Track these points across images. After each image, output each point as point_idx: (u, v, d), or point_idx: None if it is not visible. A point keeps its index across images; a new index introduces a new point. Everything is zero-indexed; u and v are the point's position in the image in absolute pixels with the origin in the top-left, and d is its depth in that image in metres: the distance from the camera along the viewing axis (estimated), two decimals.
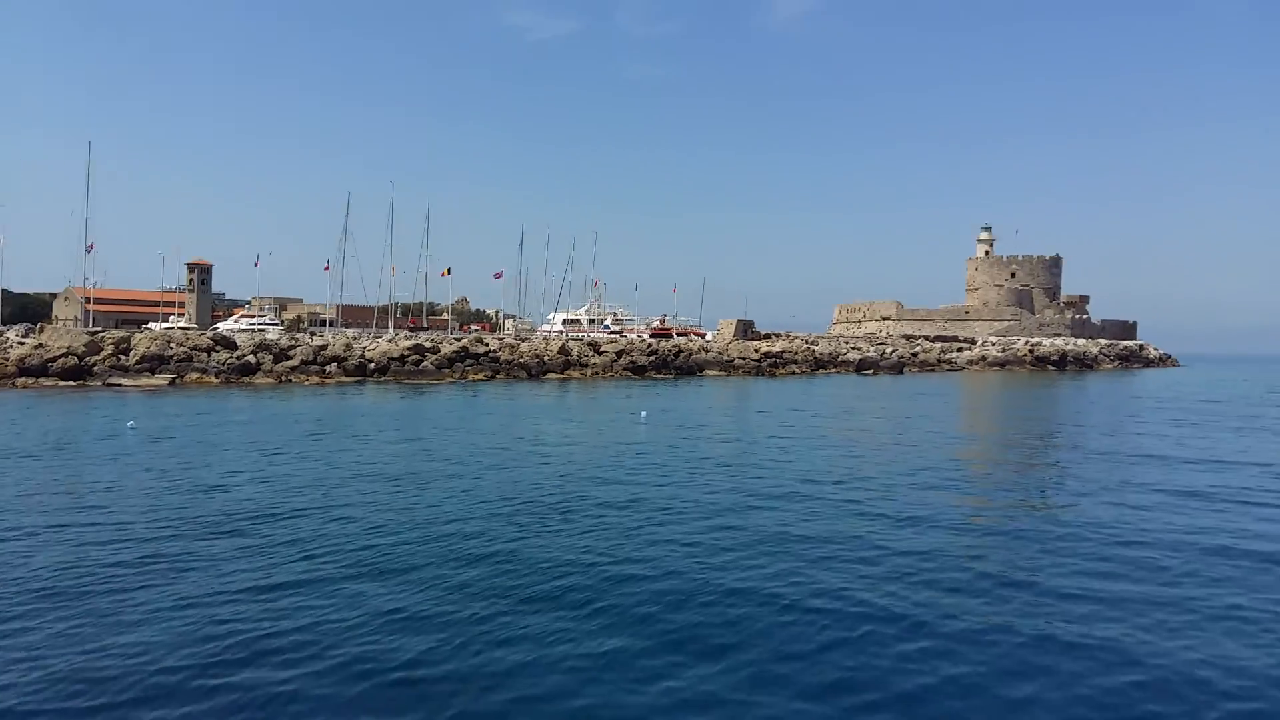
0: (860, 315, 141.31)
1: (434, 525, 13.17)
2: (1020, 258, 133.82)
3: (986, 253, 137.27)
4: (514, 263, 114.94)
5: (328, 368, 51.47)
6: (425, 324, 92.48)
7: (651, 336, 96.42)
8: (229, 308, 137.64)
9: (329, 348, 54.24)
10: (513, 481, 17.18)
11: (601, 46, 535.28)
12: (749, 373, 70.30)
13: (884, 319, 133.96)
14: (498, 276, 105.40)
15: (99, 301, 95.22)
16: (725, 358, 71.33)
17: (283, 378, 49.01)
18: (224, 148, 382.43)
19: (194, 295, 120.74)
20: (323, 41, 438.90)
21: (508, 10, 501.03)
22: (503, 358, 58.97)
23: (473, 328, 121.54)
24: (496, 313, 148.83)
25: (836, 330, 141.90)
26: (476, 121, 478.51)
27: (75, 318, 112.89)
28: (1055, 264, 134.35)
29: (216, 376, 46.94)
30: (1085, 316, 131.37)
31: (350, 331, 75.61)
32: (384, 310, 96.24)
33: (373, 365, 53.06)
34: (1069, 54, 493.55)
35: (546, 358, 60.80)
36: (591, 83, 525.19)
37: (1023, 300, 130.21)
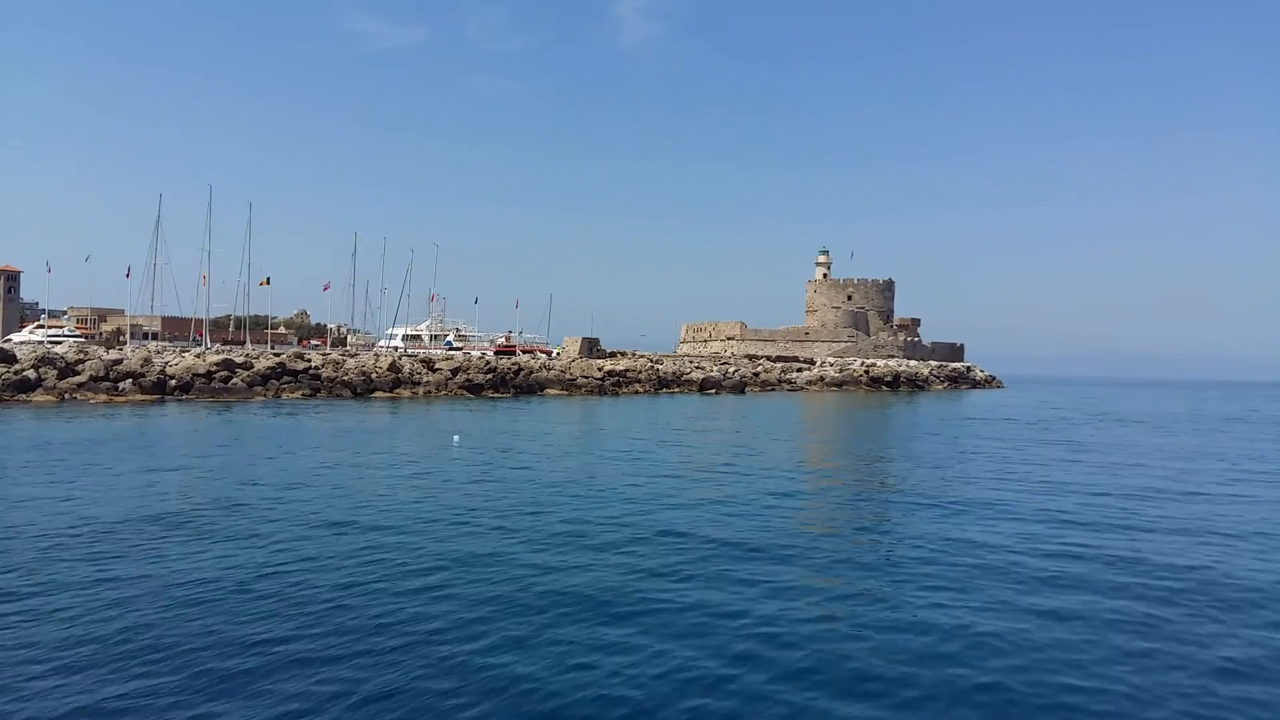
0: (706, 335, 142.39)
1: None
2: (856, 281, 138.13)
3: (825, 275, 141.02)
4: (346, 274, 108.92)
5: (121, 385, 46.23)
6: (245, 339, 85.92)
7: (496, 354, 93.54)
8: (39, 318, 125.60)
9: (124, 362, 48.87)
10: (246, 532, 14.45)
11: (449, 58, 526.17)
12: (591, 392, 68.52)
13: (729, 339, 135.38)
14: (325, 288, 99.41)
15: None
16: (568, 376, 69.29)
17: (66, 395, 43.59)
18: (46, 144, 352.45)
19: None
20: (159, 36, 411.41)
21: (351, 18, 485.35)
22: (325, 375, 54.87)
23: (312, 342, 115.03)
24: (338, 327, 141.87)
25: (684, 349, 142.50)
26: (306, 125, 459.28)
27: None
28: (889, 287, 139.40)
29: None
30: (917, 339, 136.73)
31: (153, 345, 69.35)
32: (213, 322, 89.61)
33: (174, 382, 48.08)
34: (902, 80, 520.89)
35: (374, 375, 57.06)
36: (437, 94, 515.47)
37: (859, 322, 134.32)
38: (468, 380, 60.24)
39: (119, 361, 48.77)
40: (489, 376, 61.78)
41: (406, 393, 57.07)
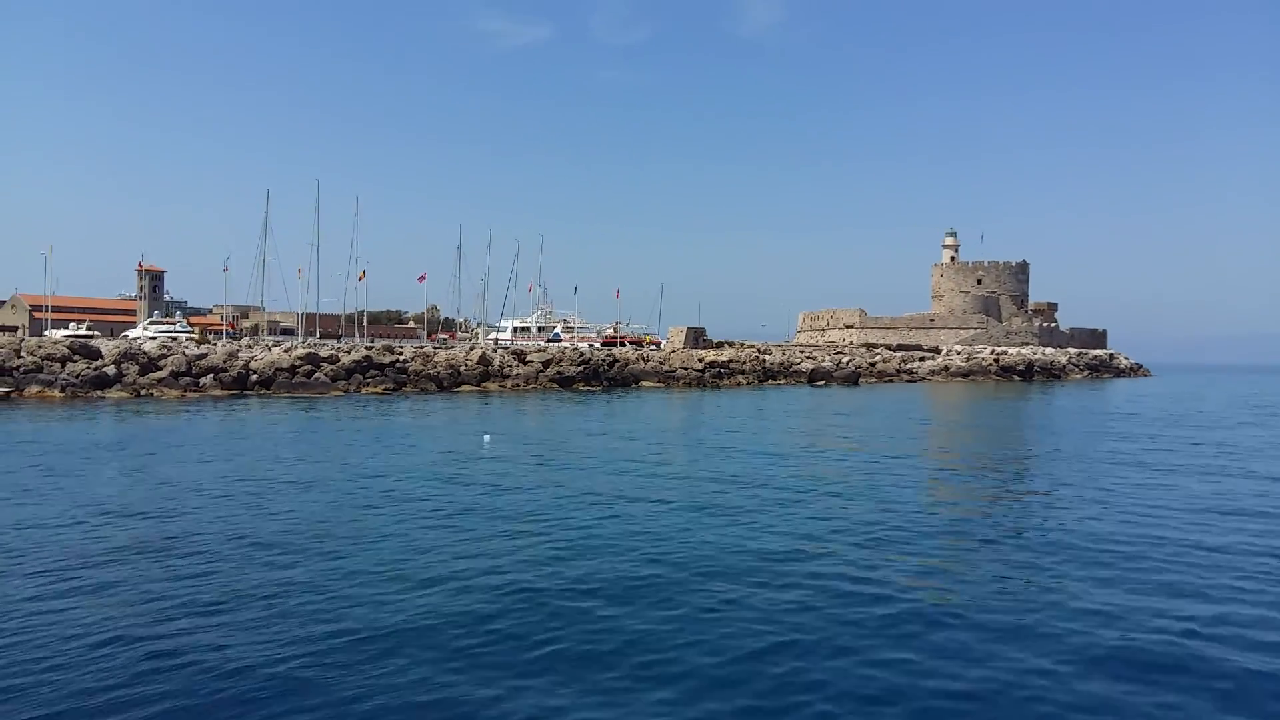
0: (824, 324, 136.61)
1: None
2: (986, 264, 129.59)
3: (952, 259, 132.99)
4: (451, 266, 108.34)
5: (201, 380, 45.69)
6: (355, 332, 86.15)
7: (603, 344, 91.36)
8: (188, 315, 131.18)
9: (208, 357, 48.42)
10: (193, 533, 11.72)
11: (575, 52, 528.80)
12: (690, 384, 65.04)
13: (847, 327, 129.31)
14: (421, 279, 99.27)
15: (48, 309, 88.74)
16: (665, 368, 65.99)
17: (142, 391, 43.17)
18: (195, 155, 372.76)
19: (144, 302, 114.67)
20: (291, 47, 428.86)
21: (480, 17, 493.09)
22: (412, 369, 53.32)
23: (440, 336, 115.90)
24: (465, 321, 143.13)
25: (801, 339, 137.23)
26: (424, 128, 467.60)
27: (23, 325, 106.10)
28: (1022, 270, 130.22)
29: (63, 390, 41.07)
30: (1054, 324, 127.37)
31: (287, 341, 69.84)
32: (349, 319, 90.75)
33: (255, 377, 47.29)
34: (1042, 66, 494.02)
35: (463, 368, 55.24)
36: (564, 89, 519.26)
37: (989, 307, 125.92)
38: (559, 373, 57.77)
39: (203, 356, 48.33)
40: (581, 369, 59.12)
41: (494, 386, 55.02)
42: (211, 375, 46.10)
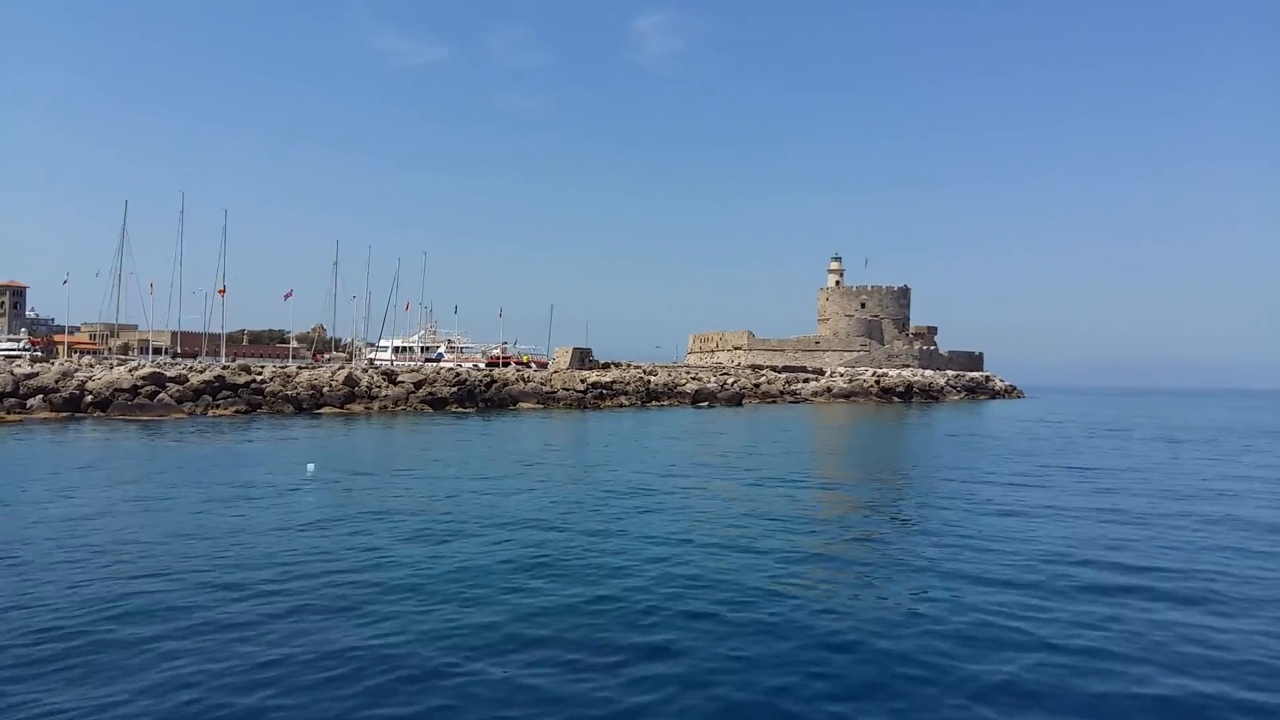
0: (713, 345, 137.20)
1: None
2: (870, 288, 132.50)
3: (837, 283, 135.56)
4: (327, 282, 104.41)
5: (29, 402, 41.86)
6: (218, 350, 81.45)
7: (488, 365, 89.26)
8: (53, 334, 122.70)
9: (38, 376, 44.51)
10: None
11: (472, 73, 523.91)
12: (572, 405, 63.54)
13: (735, 349, 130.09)
14: (287, 297, 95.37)
15: None
16: (546, 389, 64.34)
17: None
18: (67, 161, 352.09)
19: (4, 319, 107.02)
20: (164, 52, 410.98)
21: (377, 35, 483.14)
22: (269, 390, 50.26)
23: (324, 355, 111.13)
24: (353, 340, 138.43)
25: (690, 360, 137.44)
26: (307, 140, 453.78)
27: None
28: (904, 294, 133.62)
29: None
30: (933, 347, 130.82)
31: (160, 359, 65.11)
32: (215, 338, 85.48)
33: (90, 398, 43.60)
34: (926, 104, 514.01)
35: (326, 389, 52.43)
36: (458, 109, 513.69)
37: (872, 331, 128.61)
38: (430, 394, 55.47)
39: (33, 375, 44.39)
40: (455, 390, 56.94)
41: (360, 408, 52.38)
42: (41, 396, 42.30)
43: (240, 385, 49.64)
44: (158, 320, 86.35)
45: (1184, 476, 26.36)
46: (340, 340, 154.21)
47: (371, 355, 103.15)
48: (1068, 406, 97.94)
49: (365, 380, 55.53)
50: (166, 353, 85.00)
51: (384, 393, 54.53)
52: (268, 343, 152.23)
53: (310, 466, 21.85)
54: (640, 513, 17.37)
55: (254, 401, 48.78)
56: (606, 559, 13.02)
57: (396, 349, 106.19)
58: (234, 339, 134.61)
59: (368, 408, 52.69)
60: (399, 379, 57.19)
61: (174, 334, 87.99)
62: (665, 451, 31.30)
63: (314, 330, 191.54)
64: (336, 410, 50.90)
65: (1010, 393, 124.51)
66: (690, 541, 14.41)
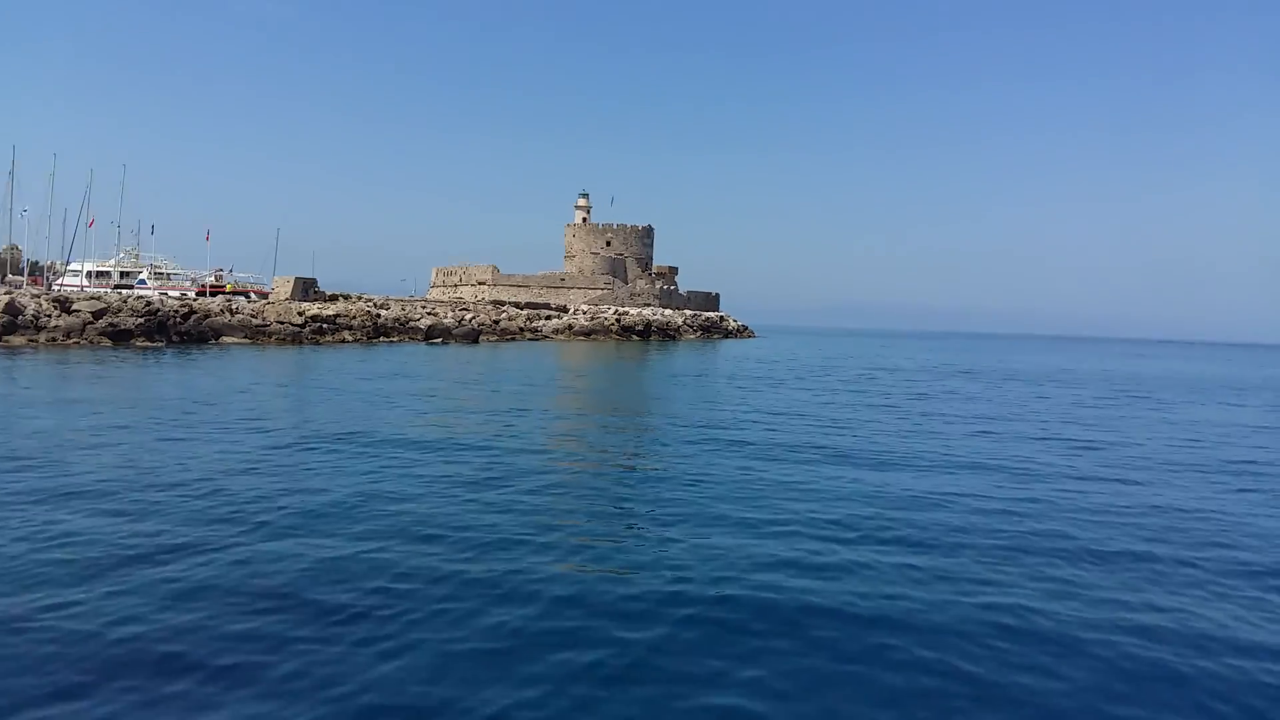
0: (457, 279, 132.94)
1: None
2: (615, 226, 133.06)
3: (584, 220, 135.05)
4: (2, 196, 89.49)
5: None
6: None
7: (198, 295, 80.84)
8: None
9: None
10: None
11: None
12: (286, 340, 58.36)
13: (480, 284, 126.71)
14: None
15: None
16: (256, 322, 58.63)
17: None
18: None
19: None
20: None
21: None
22: None
23: (51, 280, 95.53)
24: (53, 264, 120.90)
25: (434, 294, 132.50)
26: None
27: None
28: (648, 234, 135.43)
29: None
30: (674, 287, 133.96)
31: None
32: None
33: None
34: (673, 29, 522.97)
35: None
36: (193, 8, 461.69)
37: (617, 269, 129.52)
38: (112, 325, 48.67)
39: None
40: (142, 321, 50.32)
41: (22, 340, 45.01)
42: None
43: None
44: None
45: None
46: (38, 263, 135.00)
47: (60, 281, 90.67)
48: (789, 346, 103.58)
49: (32, 308, 47.79)
50: None
51: (54, 323, 47.22)
52: None
53: None
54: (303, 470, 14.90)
55: None
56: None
57: (91, 274, 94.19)
58: None
59: (32, 340, 45.37)
60: (74, 307, 49.74)
61: None
62: (369, 395, 28.58)
63: (8, 250, 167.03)
64: None
65: (742, 333, 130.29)
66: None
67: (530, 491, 13.92)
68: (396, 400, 26.96)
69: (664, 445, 19.66)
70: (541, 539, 10.93)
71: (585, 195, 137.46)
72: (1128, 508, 14.29)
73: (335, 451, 16.89)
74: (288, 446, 17.20)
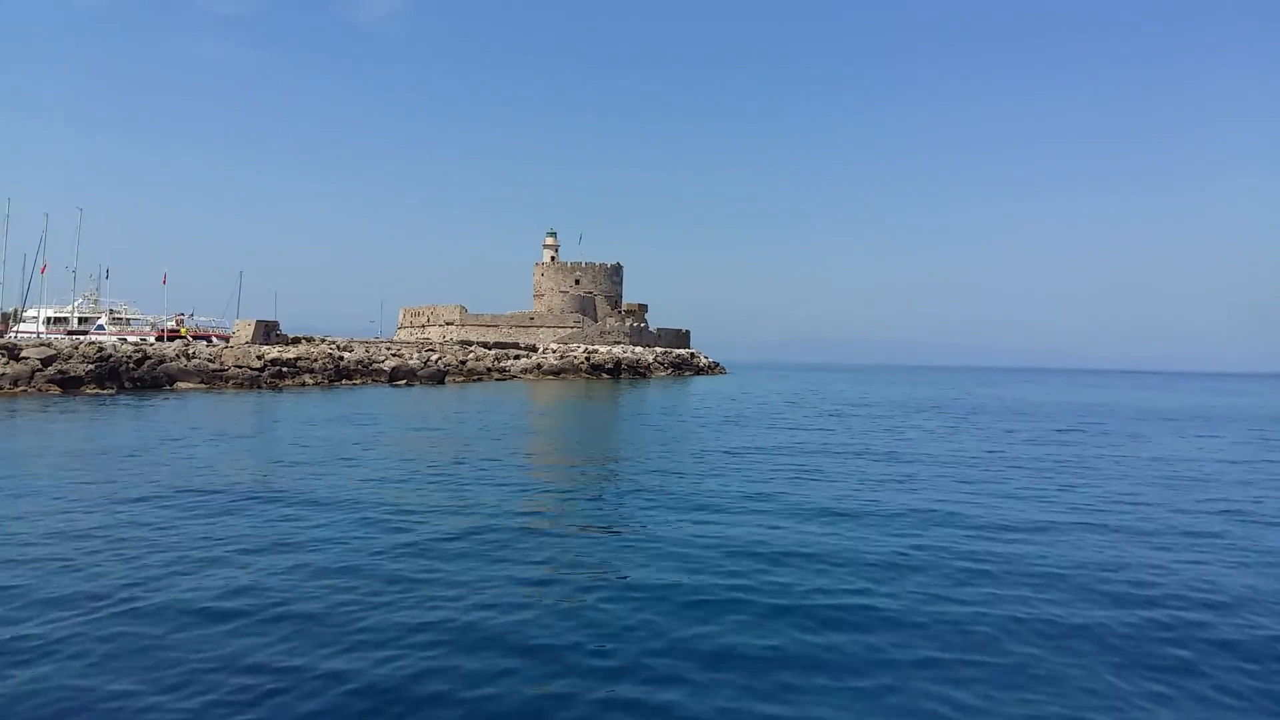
0: (425, 320, 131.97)
1: None
2: (584, 264, 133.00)
3: (553, 258, 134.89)
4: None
5: None
6: None
7: (157, 340, 79.50)
8: None
9: None
10: None
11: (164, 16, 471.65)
12: (244, 385, 57.10)
13: (448, 324, 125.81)
14: None
15: None
16: (214, 366, 57.38)
17: None
18: None
19: None
20: None
21: None
22: None
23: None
24: (16, 310, 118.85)
25: (402, 335, 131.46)
26: None
27: None
28: (617, 272, 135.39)
29: None
30: (644, 325, 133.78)
31: None
32: None
33: None
34: (638, 89, 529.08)
35: None
36: (146, 55, 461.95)
37: (586, 307, 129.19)
38: (61, 372, 47.33)
39: None
40: (94, 367, 49.00)
41: None
42: None
43: None
44: None
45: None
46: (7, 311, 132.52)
47: (15, 330, 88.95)
48: (759, 384, 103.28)
49: None
50: None
51: (0, 371, 45.82)
52: None
53: None
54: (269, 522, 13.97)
55: None
56: None
57: (50, 320, 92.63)
58: None
59: None
60: (22, 354, 48.36)
61: None
62: (321, 438, 27.59)
63: None
64: None
65: (714, 369, 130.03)
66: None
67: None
68: (312, 446, 25.90)
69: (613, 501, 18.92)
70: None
71: (553, 234, 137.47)
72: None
73: (194, 509, 15.85)
74: (142, 501, 16.24)
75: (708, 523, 15.20)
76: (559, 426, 37.38)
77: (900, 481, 20.99)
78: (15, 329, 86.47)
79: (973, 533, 14.74)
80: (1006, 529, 15.14)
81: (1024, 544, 13.90)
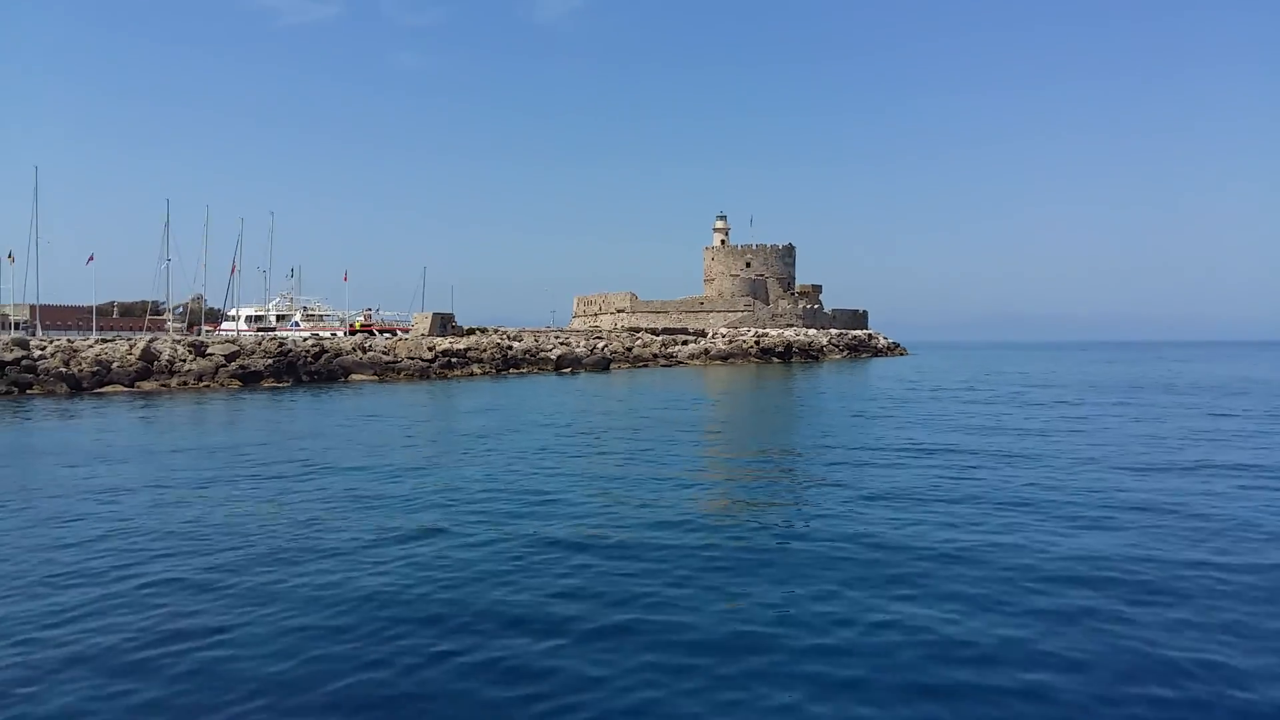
0: (596, 308, 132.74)
1: None
2: (755, 246, 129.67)
3: (722, 242, 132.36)
4: (158, 247, 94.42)
5: None
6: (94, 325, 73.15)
7: (350, 334, 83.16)
8: None
9: None
10: None
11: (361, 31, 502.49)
12: (415, 375, 58.25)
13: (619, 311, 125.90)
14: (89, 261, 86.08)
15: None
16: (387, 359, 58.80)
17: None
18: None
19: None
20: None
21: None
22: (42, 367, 43.65)
23: (202, 328, 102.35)
24: (222, 311, 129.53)
25: (575, 324, 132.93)
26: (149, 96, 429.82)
27: None
28: (789, 253, 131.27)
29: None
30: (818, 306, 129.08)
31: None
32: (84, 311, 77.32)
33: None
34: (801, 45, 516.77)
35: (115, 365, 46.01)
36: (347, 68, 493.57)
37: (757, 290, 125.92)
38: (242, 368, 49.46)
39: None
40: (272, 362, 51.00)
41: (153, 385, 46.15)
42: None
43: (7, 363, 42.87)
44: (18, 293, 76.03)
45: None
46: (220, 310, 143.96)
47: (223, 326, 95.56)
48: (941, 364, 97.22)
49: (167, 353, 49.16)
50: (25, 327, 75.70)
51: (187, 367, 48.34)
52: (140, 315, 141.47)
53: None
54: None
55: (23, 381, 42.20)
56: None
57: (251, 319, 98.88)
58: (104, 311, 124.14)
59: (164, 385, 46.48)
60: (208, 351, 50.93)
61: (33, 307, 78.41)
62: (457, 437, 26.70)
63: (193, 301, 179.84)
64: (125, 389, 44.60)
65: (893, 350, 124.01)
66: None
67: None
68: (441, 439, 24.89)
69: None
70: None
71: (723, 217, 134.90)
72: None
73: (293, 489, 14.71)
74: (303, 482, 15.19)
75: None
76: (728, 417, 35.23)
77: None
78: (219, 328, 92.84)
79: None
80: None
81: None
